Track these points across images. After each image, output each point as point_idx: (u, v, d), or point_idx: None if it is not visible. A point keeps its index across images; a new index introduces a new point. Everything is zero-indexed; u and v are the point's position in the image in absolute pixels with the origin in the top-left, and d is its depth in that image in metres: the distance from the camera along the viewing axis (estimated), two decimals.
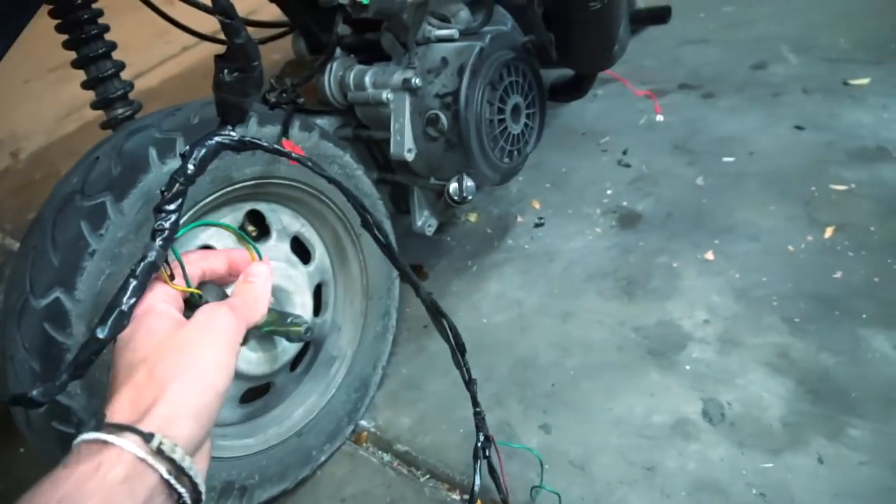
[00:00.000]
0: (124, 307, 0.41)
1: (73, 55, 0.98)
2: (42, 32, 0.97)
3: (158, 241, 0.42)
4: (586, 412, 1.16)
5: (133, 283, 0.41)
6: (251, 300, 0.49)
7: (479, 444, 0.78)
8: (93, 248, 0.78)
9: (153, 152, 0.83)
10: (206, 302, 0.48)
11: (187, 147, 0.42)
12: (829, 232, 1.43)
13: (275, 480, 1.04)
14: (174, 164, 0.84)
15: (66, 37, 0.96)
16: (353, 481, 1.13)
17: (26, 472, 1.28)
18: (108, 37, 0.99)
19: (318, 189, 1.04)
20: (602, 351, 1.28)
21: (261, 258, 0.52)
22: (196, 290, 0.48)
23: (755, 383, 1.16)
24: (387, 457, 1.16)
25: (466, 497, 1.07)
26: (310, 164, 0.50)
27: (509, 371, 1.27)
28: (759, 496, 0.99)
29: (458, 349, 0.65)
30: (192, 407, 0.39)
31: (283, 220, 1.06)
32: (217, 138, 0.44)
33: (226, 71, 0.44)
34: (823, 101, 1.87)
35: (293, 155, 0.49)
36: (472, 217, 1.67)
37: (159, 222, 0.42)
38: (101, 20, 0.97)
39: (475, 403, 0.72)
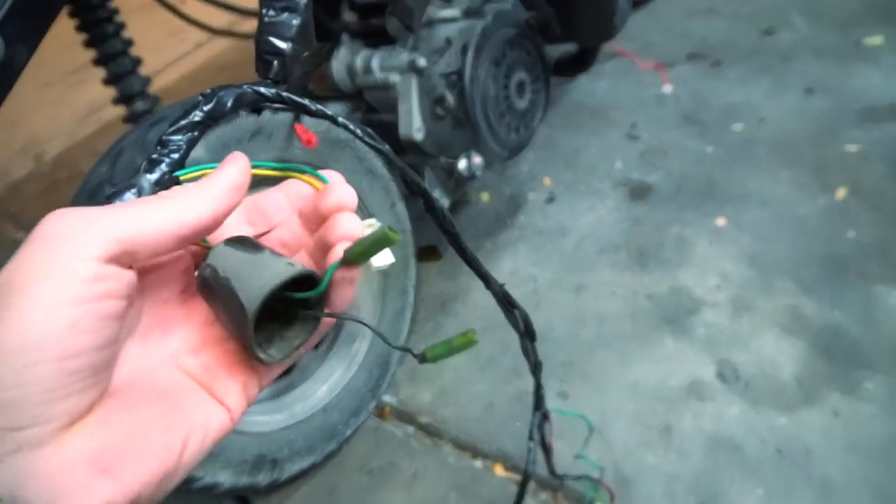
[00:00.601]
0: None
1: (89, 57, 1.02)
2: (60, 34, 1.02)
3: (152, 174, 0.32)
4: (602, 380, 1.19)
5: None
6: (197, 189, 0.29)
7: (538, 423, 0.79)
8: None
9: None
10: (225, 281, 0.31)
11: (209, 89, 0.34)
12: (840, 193, 1.43)
13: (303, 454, 1.09)
14: (195, 152, 0.88)
15: (84, 37, 1.00)
16: (379, 454, 1.17)
17: None
18: (124, 34, 1.03)
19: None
20: (616, 321, 1.30)
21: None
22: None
23: (768, 344, 1.17)
24: (410, 429, 1.20)
25: (489, 463, 1.11)
26: (366, 137, 0.39)
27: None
28: (774, 451, 1.01)
29: (529, 336, 0.64)
30: None
31: None
32: (251, 86, 0.35)
33: (271, 10, 0.38)
34: (834, 64, 1.85)
35: (332, 117, 0.38)
36: (485, 197, 1.70)
37: (155, 154, 0.33)
38: (117, 18, 1.01)
39: (538, 385, 0.74)
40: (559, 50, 1.79)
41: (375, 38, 1.20)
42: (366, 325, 0.33)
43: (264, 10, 0.38)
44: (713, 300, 1.28)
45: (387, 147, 0.39)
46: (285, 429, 1.07)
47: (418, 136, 1.15)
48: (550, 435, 0.84)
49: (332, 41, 1.20)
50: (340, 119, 0.38)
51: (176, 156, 0.33)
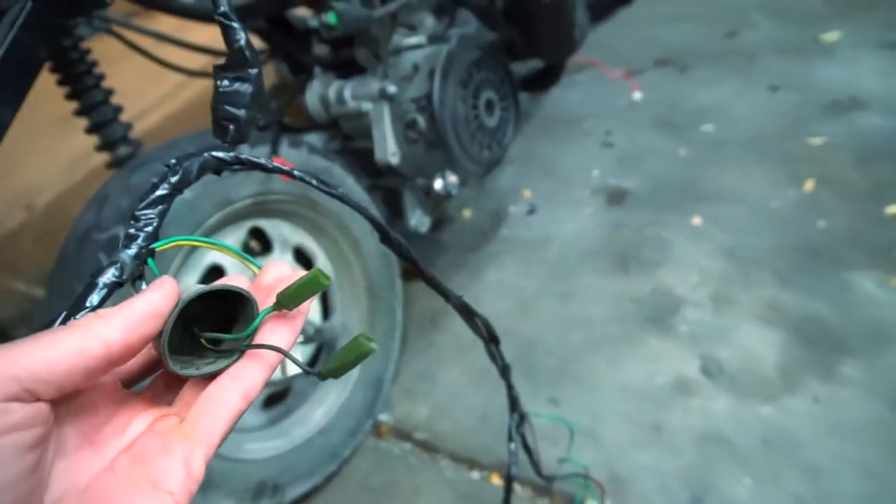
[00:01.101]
0: (77, 315, 0.31)
1: (75, 106, 1.06)
2: (49, 82, 1.06)
3: (131, 249, 0.33)
4: (592, 383, 1.22)
5: (92, 290, 0.32)
6: (111, 315, 0.29)
7: (515, 425, 0.82)
8: None
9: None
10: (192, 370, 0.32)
11: (174, 160, 0.37)
12: (809, 185, 1.48)
13: (304, 477, 1.11)
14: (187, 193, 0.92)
15: (65, 90, 1.04)
16: (379, 472, 1.20)
17: None
18: (104, 84, 1.07)
19: (314, 201, 1.11)
20: (602, 325, 1.33)
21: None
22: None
23: (749, 336, 1.21)
24: (408, 446, 1.22)
25: (486, 474, 1.13)
26: (315, 182, 0.43)
27: (515, 354, 1.33)
28: (761, 441, 1.04)
29: (493, 341, 0.68)
30: None
31: (284, 233, 1.13)
32: (211, 152, 0.38)
33: (224, 81, 0.41)
34: (796, 60, 1.91)
35: (287, 170, 0.42)
36: (467, 213, 1.73)
37: (131, 228, 0.34)
38: (96, 70, 1.05)
39: (510, 386, 0.76)
40: (528, 66, 1.84)
41: (346, 68, 1.24)
42: (284, 353, 0.34)
43: (218, 82, 0.42)
44: (694, 297, 1.32)
45: (340, 191, 0.43)
46: (285, 453, 1.09)
47: (394, 160, 1.19)
48: (533, 436, 0.87)
49: (304, 74, 1.25)
50: (296, 172, 0.42)
51: (150, 229, 0.35)
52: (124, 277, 0.34)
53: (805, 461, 1.00)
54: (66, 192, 2.26)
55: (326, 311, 1.20)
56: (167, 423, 0.31)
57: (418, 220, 1.32)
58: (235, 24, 0.42)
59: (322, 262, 1.20)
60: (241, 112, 0.44)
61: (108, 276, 0.34)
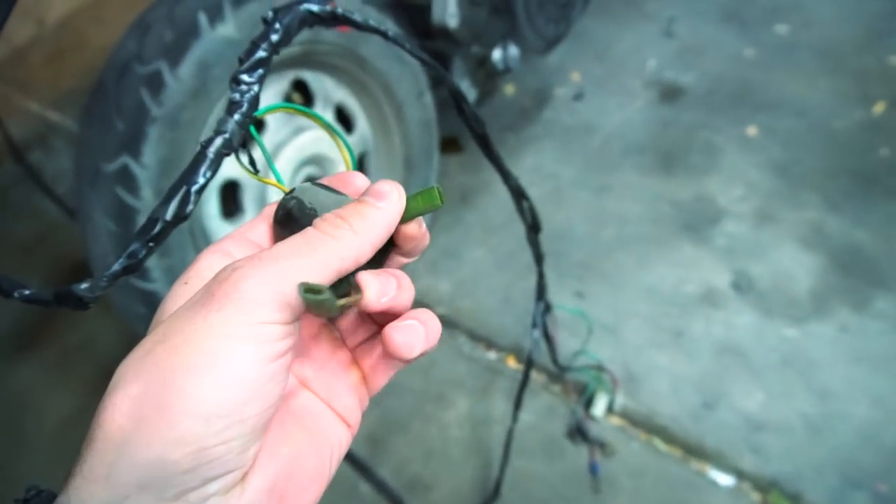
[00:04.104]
0: (193, 187, 0.31)
1: None
2: None
3: (236, 116, 0.34)
4: (619, 281, 1.22)
5: (203, 161, 0.32)
6: (363, 229, 0.27)
7: (541, 312, 0.82)
8: (154, 115, 0.80)
9: (203, 17, 0.83)
10: (312, 213, 0.31)
11: (270, 12, 0.36)
12: (879, 108, 1.39)
13: None
14: (224, 28, 0.84)
15: None
16: None
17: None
18: None
19: (362, 57, 1.03)
20: (637, 224, 1.31)
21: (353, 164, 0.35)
22: (283, 188, 0.33)
23: (787, 257, 1.19)
24: None
25: (502, 355, 1.16)
26: (407, 45, 0.40)
27: (544, 242, 1.31)
28: (781, 361, 1.06)
29: (535, 229, 0.66)
30: (151, 474, 0.22)
31: (327, 87, 1.07)
32: (308, 6, 0.36)
33: None
34: None
35: (383, 31, 0.39)
36: (509, 89, 1.64)
37: (235, 94, 0.35)
38: None
39: (541, 275, 0.76)
40: None
41: None
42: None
43: None
44: (737, 210, 1.28)
45: (437, 64, 0.41)
46: None
47: (452, 22, 1.09)
48: (554, 326, 0.88)
49: None
50: (391, 33, 0.38)
51: (251, 94, 0.34)
52: (234, 146, 0.33)
53: (819, 384, 1.02)
54: (78, 10, 2.12)
55: None
56: (344, 356, 0.32)
57: (465, 90, 1.25)
58: None
59: (362, 123, 1.14)
60: None
61: (217, 145, 0.33)
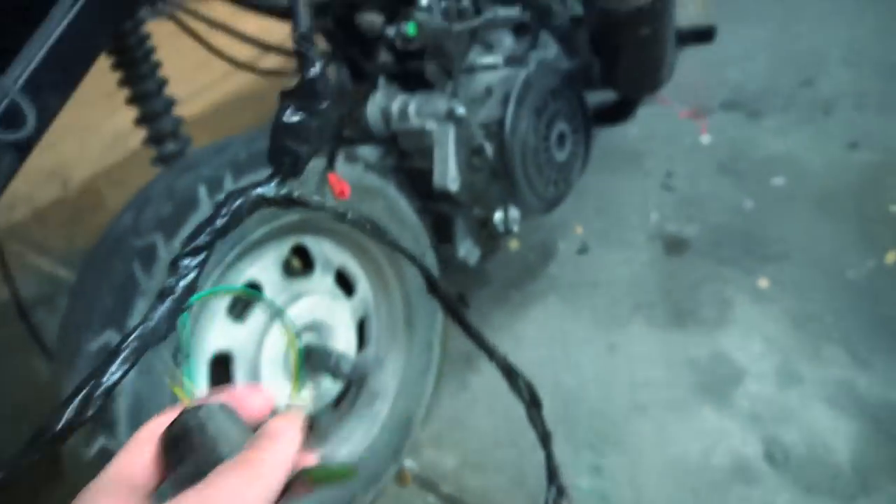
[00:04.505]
0: (96, 390, 0.28)
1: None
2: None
3: (166, 303, 0.32)
4: (638, 453, 1.12)
5: (118, 357, 0.29)
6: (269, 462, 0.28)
7: (553, 498, 0.73)
8: (143, 288, 0.77)
9: (203, 190, 0.82)
10: (212, 447, 0.29)
11: (223, 195, 0.35)
12: (891, 257, 1.36)
13: None
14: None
15: (119, 75, 0.97)
16: None
17: None
18: (159, 73, 1.00)
19: None
20: (652, 386, 1.23)
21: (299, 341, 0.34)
22: (186, 399, 0.32)
23: (819, 421, 1.10)
24: (431, 499, 1.12)
25: None
26: (369, 226, 0.42)
27: (555, 408, 1.23)
28: None
29: (535, 405, 0.60)
30: None
31: (328, 252, 1.05)
32: (259, 190, 0.36)
33: (289, 110, 0.37)
34: (877, 116, 1.79)
35: (342, 214, 0.40)
36: (513, 244, 1.64)
37: (171, 279, 0.32)
38: (153, 57, 0.98)
39: (549, 456, 0.68)
40: (597, 97, 1.75)
41: (412, 81, 1.16)
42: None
43: (284, 111, 0.37)
44: (758, 369, 1.21)
45: (391, 237, 0.44)
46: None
47: (453, 186, 1.10)
48: None
49: (367, 84, 1.16)
50: (350, 216, 0.41)
51: (187, 281, 0.33)
52: (160, 336, 0.32)
53: None
54: (103, 172, 2.21)
55: (361, 342, 1.11)
56: None
57: (468, 250, 1.23)
58: (313, 53, 0.38)
59: (363, 286, 1.11)
60: (303, 148, 0.39)
61: (137, 335, 0.31)
